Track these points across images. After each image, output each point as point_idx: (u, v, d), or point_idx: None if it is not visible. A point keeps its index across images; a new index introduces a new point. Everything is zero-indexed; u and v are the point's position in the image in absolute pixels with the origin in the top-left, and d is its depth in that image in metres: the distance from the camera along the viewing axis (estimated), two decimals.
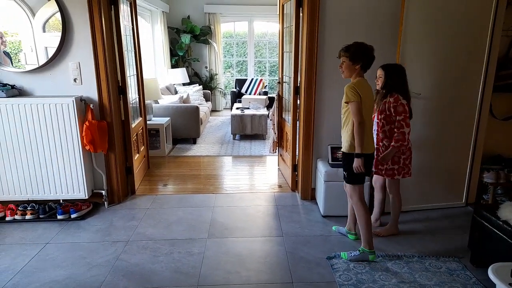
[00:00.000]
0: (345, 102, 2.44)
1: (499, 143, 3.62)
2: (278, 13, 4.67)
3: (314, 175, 3.55)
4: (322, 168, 3.23)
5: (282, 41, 4.28)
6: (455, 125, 3.26)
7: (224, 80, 9.18)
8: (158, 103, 5.78)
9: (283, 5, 4.16)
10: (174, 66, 8.08)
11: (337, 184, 3.10)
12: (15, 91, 3.16)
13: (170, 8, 8.02)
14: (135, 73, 4.09)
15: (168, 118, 5.45)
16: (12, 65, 3.21)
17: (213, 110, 8.58)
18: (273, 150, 4.67)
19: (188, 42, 7.84)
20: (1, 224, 3.11)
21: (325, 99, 3.36)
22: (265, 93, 8.18)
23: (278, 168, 4.59)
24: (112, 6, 3.28)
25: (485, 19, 3.08)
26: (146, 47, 6.95)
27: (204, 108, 6.85)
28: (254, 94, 8.33)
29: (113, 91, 3.33)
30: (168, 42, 7.86)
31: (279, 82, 4.40)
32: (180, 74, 7.60)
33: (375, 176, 2.96)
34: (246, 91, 8.43)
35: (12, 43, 3.24)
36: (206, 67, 8.62)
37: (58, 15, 3.06)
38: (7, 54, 3.22)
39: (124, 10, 3.65)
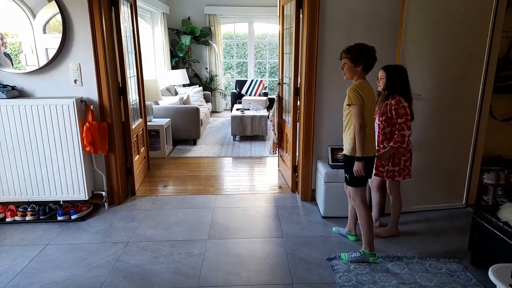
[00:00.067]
0: (348, 105, 2.42)
1: (499, 144, 3.62)
2: (278, 14, 4.68)
3: (314, 176, 3.55)
4: (322, 169, 3.23)
5: (282, 42, 4.29)
6: (455, 126, 3.26)
7: (224, 81, 9.19)
8: (158, 104, 5.79)
9: (283, 7, 4.16)
10: (174, 67, 8.09)
11: (337, 185, 3.09)
12: (15, 92, 3.17)
13: (171, 9, 8.03)
14: (135, 74, 4.09)
15: (168, 119, 5.45)
16: (13, 66, 3.22)
17: (213, 111, 8.59)
18: (273, 151, 4.67)
19: (188, 43, 7.85)
20: (1, 225, 3.11)
21: (325, 100, 3.36)
22: (265, 94, 8.19)
23: (278, 169, 4.59)
24: (113, 8, 3.29)
25: (485, 20, 3.09)
26: (146, 48, 6.96)
27: (204, 109, 6.85)
28: (254, 95, 8.34)
29: (114, 92, 3.33)
30: (168, 43, 7.87)
31: (279, 83, 4.40)
32: (180, 75, 7.61)
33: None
34: (246, 92, 8.44)
35: (13, 44, 3.25)
36: (206, 68, 8.63)
37: (59, 17, 3.07)
38: (7, 55, 3.22)
39: (125, 11, 3.65)
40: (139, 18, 4.53)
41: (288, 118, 4.01)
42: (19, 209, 3.16)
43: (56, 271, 2.47)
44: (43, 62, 3.17)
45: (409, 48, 3.02)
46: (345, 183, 2.68)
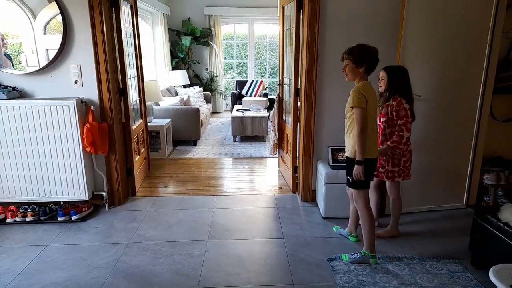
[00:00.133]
0: (351, 107, 2.39)
1: (499, 145, 3.62)
2: (278, 15, 4.68)
3: (315, 176, 3.55)
4: (322, 170, 3.23)
5: (282, 43, 4.29)
6: (455, 127, 3.27)
7: (225, 82, 9.20)
8: (159, 105, 5.79)
9: (283, 7, 4.17)
10: (174, 68, 8.09)
11: (338, 186, 3.10)
12: (16, 93, 3.17)
13: (171, 10, 8.04)
14: (135, 75, 4.10)
15: (169, 120, 5.45)
16: (13, 67, 3.22)
17: (214, 112, 8.59)
18: (274, 151, 4.67)
19: (188, 44, 7.86)
20: (2, 226, 3.11)
21: (325, 100, 3.36)
22: (266, 95, 8.19)
23: (279, 170, 4.59)
24: (113, 8, 3.29)
25: (485, 21, 3.09)
26: (146, 49, 6.97)
27: (205, 110, 6.85)
28: (255, 96, 8.34)
29: (114, 93, 3.34)
30: (168, 44, 7.88)
31: (279, 84, 4.40)
32: (181, 76, 7.61)
33: None
34: (246, 93, 8.44)
35: (13, 45, 3.25)
36: (207, 69, 8.63)
37: (59, 17, 3.07)
38: (8, 56, 3.22)
39: (125, 12, 3.66)
40: (139, 19, 4.53)
41: (289, 119, 4.02)
42: (20, 210, 3.16)
43: (57, 272, 2.47)
44: (43, 62, 3.17)
45: (409, 49, 3.02)
46: (347, 185, 2.67)
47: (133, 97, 3.94)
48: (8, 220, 3.14)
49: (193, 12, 8.30)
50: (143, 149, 4.32)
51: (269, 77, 9.45)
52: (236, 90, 8.59)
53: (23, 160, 3.16)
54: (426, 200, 3.37)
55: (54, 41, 3.12)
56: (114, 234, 2.98)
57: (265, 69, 9.49)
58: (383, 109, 2.71)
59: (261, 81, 8.51)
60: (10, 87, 3.15)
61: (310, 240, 2.90)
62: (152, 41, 7.46)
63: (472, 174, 3.42)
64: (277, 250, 2.76)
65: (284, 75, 4.28)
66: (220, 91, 8.79)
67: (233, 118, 6.07)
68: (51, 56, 3.15)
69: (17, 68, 3.23)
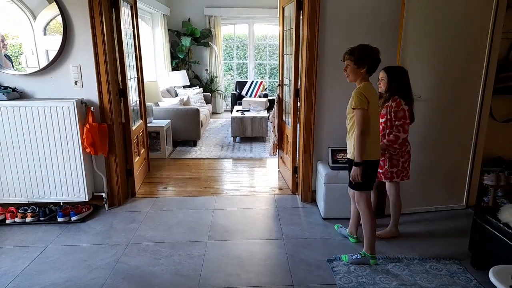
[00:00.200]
0: (353, 108, 2.37)
1: (499, 145, 3.62)
2: (278, 15, 4.69)
3: (315, 177, 3.55)
4: (322, 171, 3.23)
5: (282, 43, 4.29)
6: (455, 127, 3.27)
7: (225, 83, 9.20)
8: (159, 106, 5.79)
9: (283, 8, 4.17)
10: (174, 68, 8.10)
11: (338, 186, 3.10)
12: (16, 94, 3.17)
13: (171, 11, 8.05)
14: (135, 75, 4.10)
15: (169, 120, 5.45)
16: (13, 68, 3.22)
17: (214, 113, 8.59)
18: (274, 152, 4.67)
19: (188, 45, 7.86)
20: (1, 226, 3.11)
21: (325, 101, 3.36)
22: (266, 96, 8.19)
23: (279, 170, 4.58)
24: (113, 9, 3.30)
25: (485, 21, 3.09)
26: (146, 50, 6.97)
27: (205, 110, 6.86)
28: (255, 96, 8.34)
29: (114, 93, 3.34)
30: (168, 44, 7.88)
31: (279, 85, 4.41)
32: (181, 77, 7.61)
33: None
34: (246, 94, 8.44)
35: (13, 46, 3.25)
36: (207, 70, 8.64)
37: (59, 18, 3.07)
38: (8, 57, 3.23)
39: (125, 13, 3.66)
40: (139, 20, 4.54)
41: (288, 119, 4.02)
42: (19, 211, 3.16)
43: (56, 273, 2.47)
44: (43, 63, 3.17)
45: (409, 48, 3.02)
46: (348, 186, 2.65)
47: (133, 97, 3.94)
48: (7, 221, 3.14)
49: (193, 13, 8.31)
50: (143, 149, 4.32)
51: (269, 77, 9.46)
52: (236, 90, 8.60)
53: (22, 161, 3.16)
54: (426, 200, 3.37)
55: (54, 42, 3.13)
56: (114, 235, 2.98)
57: (265, 70, 9.50)
58: (383, 109, 2.71)
59: (261, 82, 8.52)
60: (10, 88, 3.15)
61: (310, 240, 2.90)
62: (152, 42, 7.47)
63: (472, 175, 3.42)
64: (277, 250, 2.76)
65: (284, 76, 4.28)
66: (220, 92, 8.79)
67: (233, 118, 6.07)
68: (51, 57, 3.15)
69: (17, 69, 3.23)
